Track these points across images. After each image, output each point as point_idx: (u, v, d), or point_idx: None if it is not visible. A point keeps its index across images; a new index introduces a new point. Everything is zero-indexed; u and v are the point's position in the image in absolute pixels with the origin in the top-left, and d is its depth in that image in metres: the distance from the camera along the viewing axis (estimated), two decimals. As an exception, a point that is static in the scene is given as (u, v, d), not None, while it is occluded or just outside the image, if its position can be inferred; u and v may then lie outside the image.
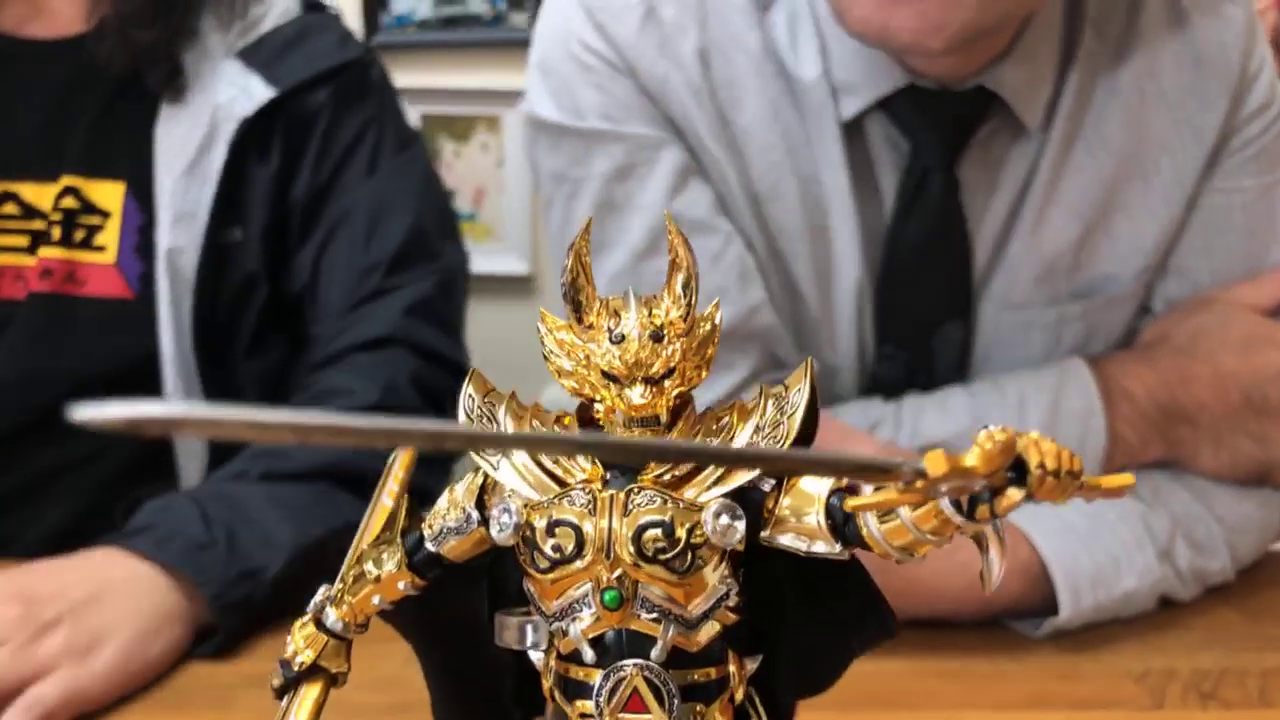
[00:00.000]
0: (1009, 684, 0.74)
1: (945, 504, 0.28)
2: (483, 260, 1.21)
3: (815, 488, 0.33)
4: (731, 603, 0.33)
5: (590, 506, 0.32)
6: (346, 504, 0.86)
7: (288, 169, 0.94)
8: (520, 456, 0.34)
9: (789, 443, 0.33)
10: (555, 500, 0.33)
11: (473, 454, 0.35)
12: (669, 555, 0.32)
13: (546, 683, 0.34)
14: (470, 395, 0.36)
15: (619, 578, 0.32)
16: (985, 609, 0.79)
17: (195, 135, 0.90)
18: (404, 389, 0.92)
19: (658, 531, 0.32)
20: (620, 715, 0.32)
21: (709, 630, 0.33)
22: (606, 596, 0.32)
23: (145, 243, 0.92)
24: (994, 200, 0.84)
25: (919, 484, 0.25)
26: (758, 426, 0.33)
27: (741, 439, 0.33)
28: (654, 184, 0.81)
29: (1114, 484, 0.27)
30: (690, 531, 0.32)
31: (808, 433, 0.33)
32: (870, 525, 0.30)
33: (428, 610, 0.37)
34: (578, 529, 0.32)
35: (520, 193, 1.50)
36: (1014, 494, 0.25)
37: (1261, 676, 0.74)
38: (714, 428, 0.34)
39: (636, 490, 0.32)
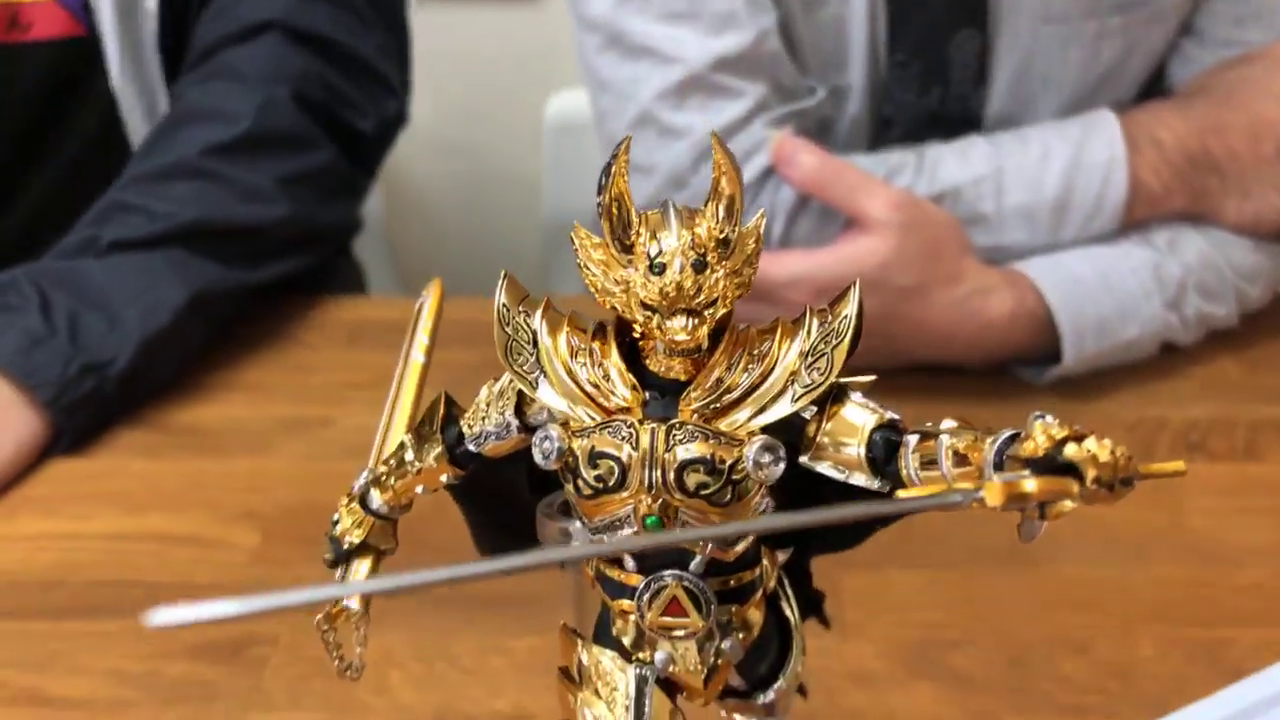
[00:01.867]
0: (1007, 433, 0.78)
1: (991, 474, 0.28)
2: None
3: (859, 418, 0.33)
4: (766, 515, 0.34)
5: (632, 440, 0.32)
6: (200, 270, 0.82)
7: None
8: (559, 371, 0.34)
9: (833, 375, 0.32)
10: (596, 430, 0.33)
11: (510, 370, 0.34)
12: (710, 491, 0.32)
13: (589, 573, 0.36)
14: (504, 305, 0.35)
15: (661, 505, 0.32)
16: (991, 356, 0.81)
17: None
18: (282, 108, 0.85)
19: (700, 469, 0.32)
20: (660, 618, 0.34)
21: (745, 542, 0.34)
22: (648, 522, 0.33)
23: None
24: None
25: (974, 506, 0.25)
26: (802, 352, 0.33)
27: (785, 362, 0.33)
28: None
29: (1167, 470, 0.27)
30: (732, 468, 0.32)
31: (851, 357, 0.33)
32: (911, 470, 0.31)
33: (468, 482, 0.38)
34: (620, 461, 0.32)
35: None
36: (1066, 505, 0.25)
37: (1250, 428, 0.78)
38: (754, 353, 0.33)
39: (678, 425, 0.32)
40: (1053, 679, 0.60)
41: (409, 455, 0.37)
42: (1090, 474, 0.25)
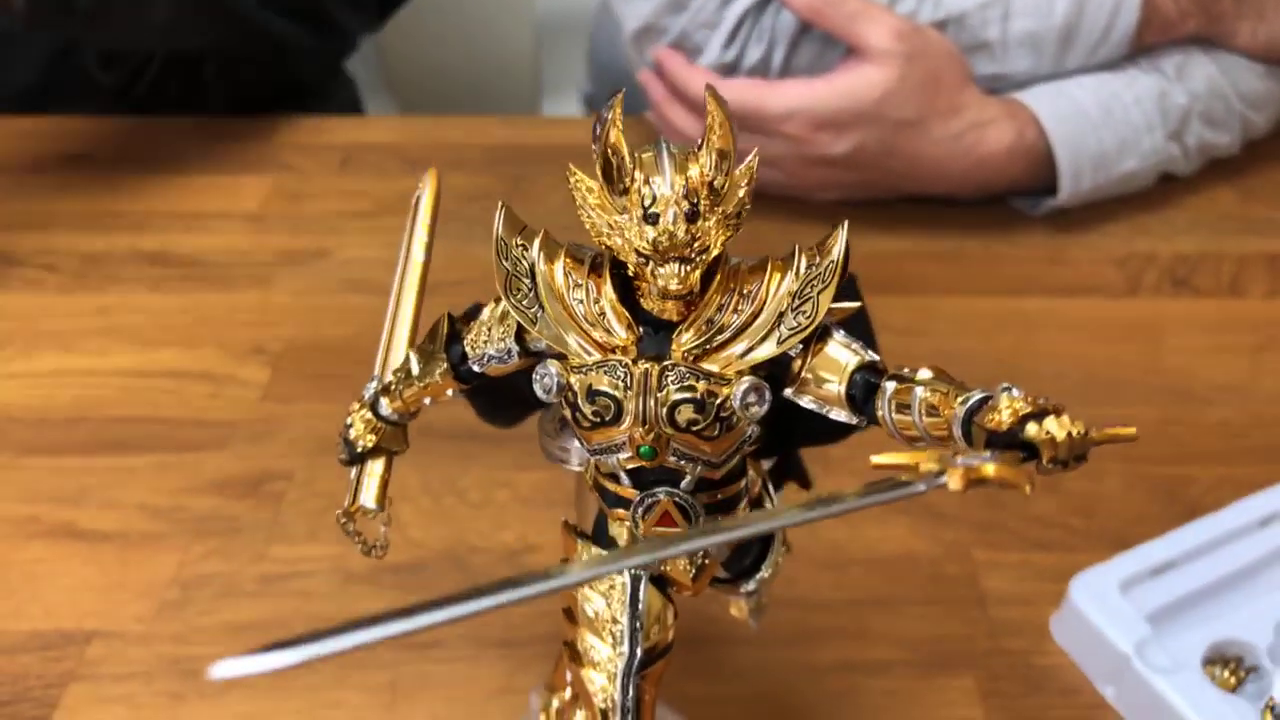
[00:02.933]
0: (999, 267, 0.79)
1: (957, 431, 0.30)
2: None
3: (841, 356, 0.34)
4: (752, 439, 0.36)
5: (627, 379, 0.34)
6: None
7: None
8: (556, 305, 0.35)
9: (817, 320, 0.34)
10: (593, 369, 0.34)
11: (510, 305, 0.35)
12: (700, 426, 0.34)
13: (587, 481, 0.39)
14: (502, 239, 0.36)
15: (654, 437, 0.35)
16: (987, 189, 0.81)
17: None
18: None
19: (689, 408, 0.34)
20: (653, 528, 0.37)
21: (732, 461, 0.37)
22: (642, 450, 0.35)
23: None
24: None
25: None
26: (790, 292, 0.34)
27: (773, 300, 0.34)
28: None
29: (1120, 436, 0.29)
30: (720, 405, 0.34)
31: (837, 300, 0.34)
32: (886, 413, 0.33)
33: (475, 388, 0.40)
34: (615, 399, 0.34)
35: None
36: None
37: (1238, 262, 0.79)
38: (745, 293, 0.34)
39: (670, 367, 0.34)
40: (1022, 516, 0.64)
41: (415, 370, 0.39)
42: (1046, 455, 0.27)
